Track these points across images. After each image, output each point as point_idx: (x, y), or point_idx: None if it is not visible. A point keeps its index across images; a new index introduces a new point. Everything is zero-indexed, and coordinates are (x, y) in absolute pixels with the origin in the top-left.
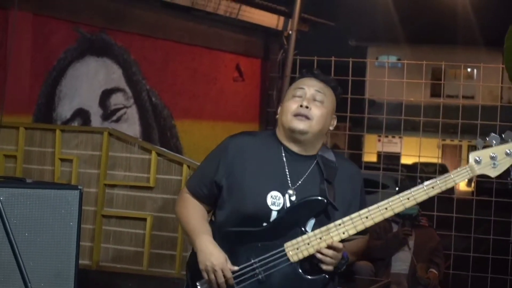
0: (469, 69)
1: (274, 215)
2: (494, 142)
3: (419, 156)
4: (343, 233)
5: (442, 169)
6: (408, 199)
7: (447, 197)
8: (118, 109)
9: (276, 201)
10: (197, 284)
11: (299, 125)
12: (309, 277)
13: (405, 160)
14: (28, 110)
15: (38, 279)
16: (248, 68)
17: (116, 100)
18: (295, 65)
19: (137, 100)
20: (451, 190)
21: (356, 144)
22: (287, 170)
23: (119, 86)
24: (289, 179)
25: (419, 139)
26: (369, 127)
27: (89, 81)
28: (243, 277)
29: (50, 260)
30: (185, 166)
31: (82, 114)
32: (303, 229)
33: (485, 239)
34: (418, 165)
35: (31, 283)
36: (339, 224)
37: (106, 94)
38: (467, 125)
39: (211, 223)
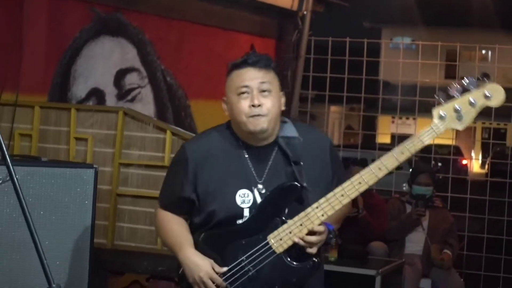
0: (483, 51)
1: (246, 212)
2: (457, 93)
3: None
4: (322, 215)
5: (456, 151)
6: (379, 169)
7: (461, 178)
8: (133, 89)
9: (245, 198)
10: None
11: (257, 126)
12: (299, 264)
13: None
14: (43, 90)
15: (53, 258)
16: (263, 48)
17: (131, 80)
18: (310, 45)
19: (151, 80)
20: (465, 172)
21: (370, 125)
22: (251, 166)
23: (134, 66)
24: (255, 174)
25: None
26: (383, 109)
27: (104, 60)
28: (234, 277)
29: (66, 238)
30: None
31: (97, 94)
32: (283, 218)
33: (499, 220)
34: (433, 147)
35: (47, 261)
36: (316, 207)
37: (121, 74)
38: None
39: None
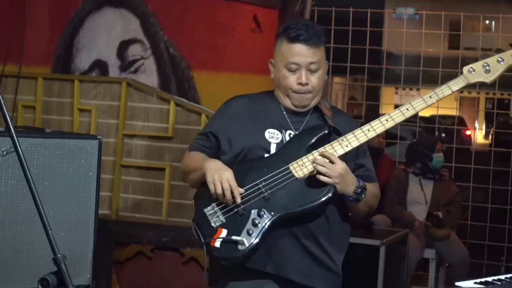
0: (487, 21)
1: (273, 148)
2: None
3: (437, 108)
4: (346, 146)
5: (459, 121)
6: (407, 109)
7: (465, 148)
8: (136, 60)
9: (274, 135)
10: (204, 211)
11: (301, 102)
12: (315, 188)
13: (423, 112)
14: (46, 62)
15: (58, 229)
16: (266, 19)
17: (134, 51)
18: (313, 16)
19: (154, 52)
20: (469, 142)
21: (374, 96)
22: (287, 117)
23: (136, 37)
24: (291, 125)
25: None
26: (387, 79)
27: (107, 32)
28: (248, 197)
29: (70, 209)
30: (203, 116)
31: (100, 65)
32: (308, 150)
33: (503, 190)
34: (436, 118)
35: (52, 232)
36: (342, 140)
37: (124, 45)
38: None
39: None
